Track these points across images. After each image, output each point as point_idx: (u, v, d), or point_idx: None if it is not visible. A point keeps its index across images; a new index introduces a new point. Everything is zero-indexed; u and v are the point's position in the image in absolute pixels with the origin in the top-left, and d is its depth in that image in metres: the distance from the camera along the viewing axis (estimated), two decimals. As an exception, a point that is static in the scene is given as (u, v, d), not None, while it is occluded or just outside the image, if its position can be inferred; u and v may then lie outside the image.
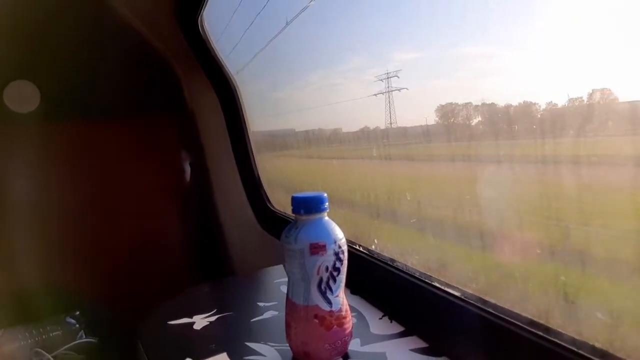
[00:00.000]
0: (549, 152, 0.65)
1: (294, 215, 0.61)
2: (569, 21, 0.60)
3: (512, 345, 0.54)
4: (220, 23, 1.41)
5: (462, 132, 0.84)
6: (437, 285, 0.67)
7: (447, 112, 0.85)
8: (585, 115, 0.60)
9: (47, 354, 1.18)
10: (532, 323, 0.53)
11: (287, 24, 1.27)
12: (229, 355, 0.64)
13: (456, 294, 0.64)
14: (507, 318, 0.55)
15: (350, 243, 0.76)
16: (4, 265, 1.31)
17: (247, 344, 0.67)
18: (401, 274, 0.75)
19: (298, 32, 1.28)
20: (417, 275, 0.72)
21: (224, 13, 1.41)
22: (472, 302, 0.61)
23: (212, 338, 0.70)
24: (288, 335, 0.62)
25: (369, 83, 1.08)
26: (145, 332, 0.76)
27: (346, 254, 0.60)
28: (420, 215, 0.91)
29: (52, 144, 1.40)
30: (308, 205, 0.60)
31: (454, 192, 0.86)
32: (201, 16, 1.31)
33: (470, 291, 0.63)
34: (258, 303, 0.82)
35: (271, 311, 0.78)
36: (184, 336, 0.72)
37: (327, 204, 0.61)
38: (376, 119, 1.04)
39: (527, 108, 0.69)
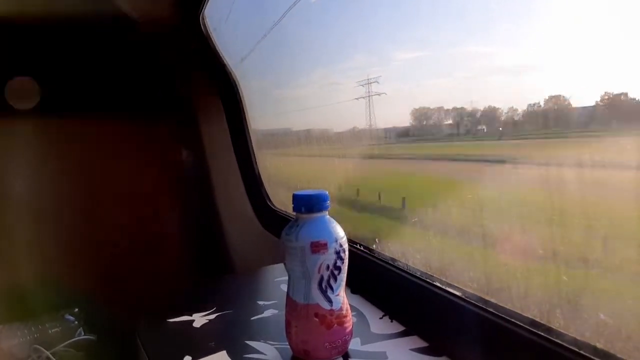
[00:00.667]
0: (502, 152, 0.73)
1: (294, 213, 0.61)
2: (570, 21, 0.60)
3: (513, 345, 0.54)
4: (222, 20, 1.41)
5: (434, 133, 0.92)
6: (438, 285, 0.67)
7: (420, 115, 0.93)
8: (539, 119, 0.66)
9: (46, 351, 1.17)
10: (533, 323, 0.53)
11: (284, 13, 1.26)
12: (229, 353, 0.64)
13: (457, 293, 0.63)
14: (508, 318, 0.55)
15: (351, 242, 0.76)
16: (4, 262, 1.31)
17: (247, 342, 0.67)
18: (402, 273, 0.74)
19: (299, 30, 1.28)
20: (418, 274, 0.72)
21: (226, 10, 1.40)
22: (473, 301, 0.61)
23: (212, 336, 0.69)
24: (288, 333, 0.62)
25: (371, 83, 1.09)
26: (144, 329, 0.75)
27: (347, 252, 0.60)
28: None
29: (53, 141, 1.40)
30: (309, 203, 0.60)
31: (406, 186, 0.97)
32: (203, 13, 1.31)
33: (471, 291, 0.63)
34: (258, 301, 0.82)
35: (271, 310, 0.78)
36: (183, 334, 0.71)
37: (328, 202, 0.60)
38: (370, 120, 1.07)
39: (492, 112, 0.75)
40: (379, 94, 0.98)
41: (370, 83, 0.99)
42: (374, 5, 1.04)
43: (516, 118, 0.72)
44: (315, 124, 1.38)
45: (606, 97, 0.55)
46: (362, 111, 1.05)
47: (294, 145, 1.53)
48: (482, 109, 0.78)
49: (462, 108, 0.83)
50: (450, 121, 0.88)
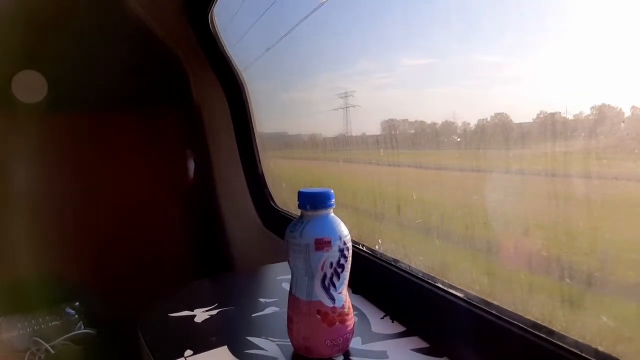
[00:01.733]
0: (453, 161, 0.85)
1: (298, 211, 0.61)
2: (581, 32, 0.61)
3: (514, 347, 0.54)
4: (230, 19, 1.41)
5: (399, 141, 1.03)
6: (440, 286, 0.67)
7: (388, 125, 1.03)
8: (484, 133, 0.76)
9: (45, 344, 1.18)
10: (535, 325, 0.53)
11: (297, 24, 1.27)
12: (230, 348, 0.64)
13: (458, 295, 0.64)
14: (509, 320, 0.55)
15: (353, 243, 0.77)
16: (5, 254, 1.32)
17: (248, 338, 0.67)
18: (403, 274, 0.75)
19: (305, 32, 1.28)
20: (419, 275, 0.72)
21: (235, 10, 1.41)
22: (474, 303, 0.61)
23: (213, 331, 0.70)
24: (290, 330, 0.62)
25: (375, 87, 1.10)
26: (145, 323, 0.76)
27: (351, 251, 0.60)
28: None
29: (58, 135, 1.41)
30: (314, 201, 0.60)
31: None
32: (211, 12, 1.32)
33: (473, 293, 0.63)
34: (259, 299, 0.82)
35: (272, 307, 0.78)
36: (184, 328, 0.72)
37: (333, 200, 0.61)
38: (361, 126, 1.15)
39: (449, 126, 0.85)
40: (353, 106, 1.13)
41: (347, 96, 1.14)
42: (383, 11, 1.04)
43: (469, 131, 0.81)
44: (308, 128, 1.45)
45: (541, 115, 0.65)
46: (358, 119, 1.14)
47: (284, 148, 1.62)
48: (440, 122, 0.88)
49: (422, 121, 0.94)
50: (413, 131, 0.99)
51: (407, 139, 0.96)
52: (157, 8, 1.42)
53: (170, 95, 1.59)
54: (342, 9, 1.21)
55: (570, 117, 0.60)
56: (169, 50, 1.53)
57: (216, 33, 1.39)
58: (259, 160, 1.44)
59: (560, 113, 0.61)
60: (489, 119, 0.74)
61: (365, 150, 1.09)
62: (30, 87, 1.36)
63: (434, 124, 0.89)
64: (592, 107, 0.57)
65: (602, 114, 0.56)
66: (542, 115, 0.64)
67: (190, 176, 1.65)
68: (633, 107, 0.53)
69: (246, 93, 1.46)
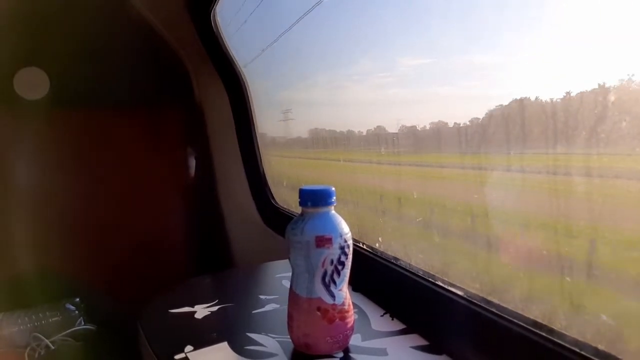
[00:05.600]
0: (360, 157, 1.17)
1: (299, 210, 0.61)
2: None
3: (514, 345, 0.54)
4: (232, 18, 1.41)
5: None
6: (440, 284, 0.67)
7: (313, 132, 1.38)
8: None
9: (46, 339, 1.18)
10: (535, 324, 0.53)
11: (297, 21, 1.27)
12: (230, 344, 0.64)
13: (458, 292, 0.64)
14: (509, 318, 0.55)
15: (354, 241, 0.77)
16: (6, 250, 1.32)
17: (248, 334, 0.67)
18: (404, 272, 0.75)
19: (303, 31, 1.28)
20: (420, 273, 0.72)
21: (237, 8, 1.41)
22: (474, 301, 0.61)
23: (213, 327, 0.70)
24: (290, 326, 0.62)
25: (375, 87, 1.11)
26: (146, 319, 0.76)
27: (351, 248, 0.60)
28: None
29: (59, 132, 1.41)
30: (315, 198, 0.60)
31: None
32: (214, 10, 1.32)
33: (473, 291, 0.63)
34: (259, 295, 0.82)
35: (272, 304, 0.78)
36: (185, 324, 0.72)
37: (334, 197, 0.61)
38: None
39: (350, 133, 1.16)
40: (292, 119, 1.46)
41: (287, 112, 1.47)
42: (383, 11, 1.04)
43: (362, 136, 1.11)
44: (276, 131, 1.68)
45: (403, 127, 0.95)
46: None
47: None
48: (345, 131, 1.16)
49: (333, 130, 1.25)
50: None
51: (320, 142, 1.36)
52: (159, 6, 1.43)
53: (172, 93, 1.59)
54: (345, 9, 1.21)
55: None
56: (171, 49, 1.53)
57: (218, 32, 1.39)
58: (260, 159, 1.45)
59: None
60: (373, 129, 1.04)
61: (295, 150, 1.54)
62: (32, 84, 1.36)
63: (342, 132, 1.20)
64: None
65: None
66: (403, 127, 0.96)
67: (191, 174, 1.65)
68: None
69: (248, 91, 1.46)
